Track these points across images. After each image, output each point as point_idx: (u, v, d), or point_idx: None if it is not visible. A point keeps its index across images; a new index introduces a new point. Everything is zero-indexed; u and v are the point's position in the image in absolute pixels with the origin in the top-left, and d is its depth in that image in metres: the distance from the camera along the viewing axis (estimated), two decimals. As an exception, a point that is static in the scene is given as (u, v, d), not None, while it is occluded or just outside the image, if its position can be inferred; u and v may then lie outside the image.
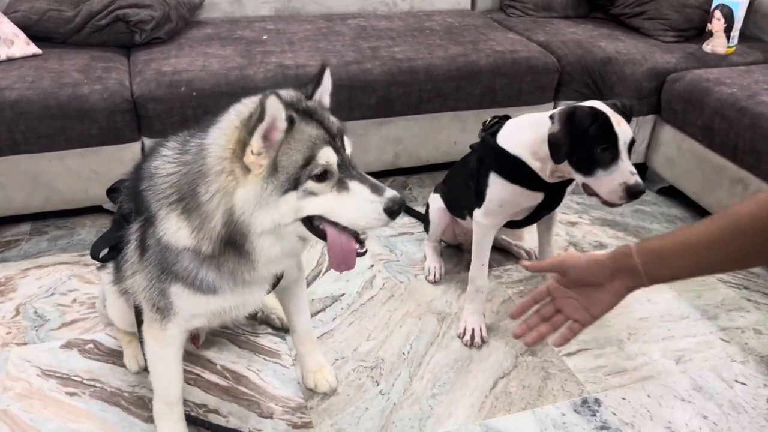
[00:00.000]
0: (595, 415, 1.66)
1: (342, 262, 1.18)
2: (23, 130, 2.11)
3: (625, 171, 1.60)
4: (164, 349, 1.41)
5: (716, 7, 2.68)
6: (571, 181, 1.82)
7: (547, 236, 2.07)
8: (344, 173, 1.13)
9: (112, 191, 1.39)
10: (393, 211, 1.12)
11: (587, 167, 1.63)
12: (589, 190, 1.68)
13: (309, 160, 1.09)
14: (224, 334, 1.90)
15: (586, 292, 1.14)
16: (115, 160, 2.26)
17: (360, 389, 1.72)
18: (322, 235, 1.17)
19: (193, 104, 2.26)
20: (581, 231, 2.49)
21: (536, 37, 2.90)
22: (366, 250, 1.20)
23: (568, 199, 1.91)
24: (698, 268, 1.08)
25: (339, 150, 1.13)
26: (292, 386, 1.72)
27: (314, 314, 1.99)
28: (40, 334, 1.87)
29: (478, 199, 1.86)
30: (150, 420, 1.58)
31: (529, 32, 2.96)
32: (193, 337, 1.76)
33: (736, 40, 2.72)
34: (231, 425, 1.60)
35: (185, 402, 1.65)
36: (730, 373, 1.81)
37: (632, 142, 1.62)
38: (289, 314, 1.67)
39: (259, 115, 1.04)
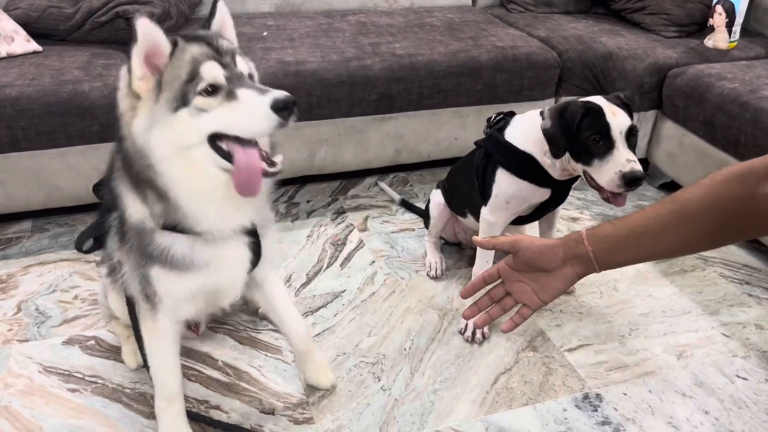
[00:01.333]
0: (596, 411, 1.66)
1: (246, 183, 1.12)
2: (24, 127, 2.11)
3: (620, 159, 1.60)
4: (158, 341, 1.42)
5: (718, 2, 2.67)
6: (578, 177, 1.82)
7: (548, 233, 2.07)
8: (233, 85, 1.10)
9: (99, 186, 1.39)
10: (279, 108, 1.07)
11: (585, 159, 1.64)
12: (592, 183, 1.68)
13: (192, 75, 1.07)
14: (225, 330, 1.90)
15: (536, 277, 1.14)
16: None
17: (361, 385, 1.72)
18: (228, 158, 1.12)
19: (193, 101, 2.26)
20: (582, 226, 2.48)
21: (537, 32, 2.90)
22: (277, 170, 1.15)
23: (570, 195, 1.91)
24: (648, 254, 1.09)
25: (227, 65, 1.11)
26: (294, 382, 1.72)
27: (315, 310, 1.99)
28: (41, 330, 1.87)
29: (485, 196, 1.86)
30: (152, 416, 1.58)
31: (530, 28, 2.96)
32: (193, 326, 1.77)
33: (737, 35, 2.72)
34: (232, 421, 1.60)
35: (187, 398, 1.65)
36: (732, 369, 1.81)
37: (631, 130, 1.62)
38: (277, 315, 1.62)
39: (132, 36, 1.04)
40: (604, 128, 1.59)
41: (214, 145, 1.12)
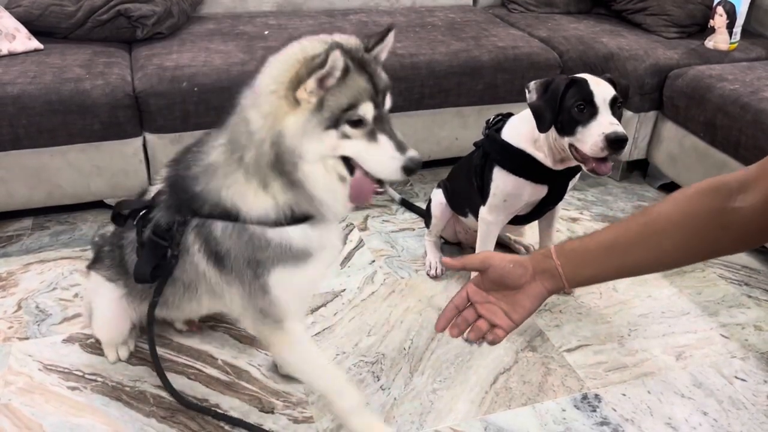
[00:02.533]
0: (595, 411, 1.67)
1: (359, 194, 1.26)
2: (25, 125, 2.12)
3: (603, 122, 1.63)
4: (302, 347, 1.46)
5: (718, 3, 2.67)
6: (575, 173, 1.83)
7: (548, 232, 2.08)
8: (377, 126, 1.20)
9: (118, 216, 1.42)
10: (410, 169, 1.20)
11: (570, 128, 1.67)
12: (577, 156, 1.70)
13: (351, 107, 1.16)
14: (225, 329, 1.90)
15: (505, 296, 1.09)
16: (117, 156, 2.26)
17: (361, 384, 1.73)
18: (350, 170, 1.24)
19: (194, 99, 2.26)
20: (582, 227, 2.49)
21: (538, 32, 2.90)
22: (384, 191, 1.29)
23: (569, 196, 1.92)
24: (617, 268, 1.05)
25: (378, 105, 1.20)
26: (293, 381, 1.72)
27: (315, 310, 1.99)
28: (41, 328, 1.87)
29: (483, 195, 1.88)
30: (151, 415, 1.59)
31: (531, 28, 2.96)
32: (191, 322, 1.80)
33: (738, 36, 2.72)
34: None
35: (186, 396, 1.66)
36: (731, 370, 1.81)
37: (615, 99, 1.65)
38: None
39: (321, 62, 1.11)
40: (587, 95, 1.64)
41: (345, 161, 1.23)
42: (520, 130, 1.80)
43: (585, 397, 1.71)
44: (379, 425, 1.51)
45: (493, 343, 1.11)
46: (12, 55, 2.30)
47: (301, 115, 1.17)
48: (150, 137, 2.30)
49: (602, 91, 1.65)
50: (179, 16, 2.64)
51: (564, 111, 1.66)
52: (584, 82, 1.66)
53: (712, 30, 2.72)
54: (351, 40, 1.24)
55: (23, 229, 2.37)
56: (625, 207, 2.64)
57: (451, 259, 1.15)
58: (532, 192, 1.82)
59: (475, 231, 2.01)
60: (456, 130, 2.68)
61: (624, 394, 1.72)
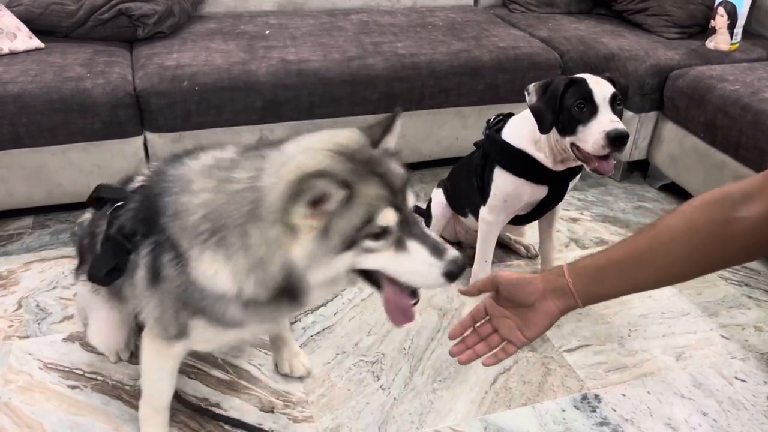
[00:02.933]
0: (595, 411, 1.67)
1: (401, 319, 1.18)
2: (26, 123, 2.12)
3: (604, 120, 1.63)
4: (164, 362, 1.39)
5: (719, 4, 2.67)
6: (575, 173, 1.83)
7: (548, 232, 2.08)
8: (403, 231, 1.06)
9: (98, 200, 1.30)
10: (453, 275, 1.06)
11: (571, 127, 1.67)
12: (579, 155, 1.70)
13: (367, 221, 1.02)
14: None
15: (519, 313, 1.11)
16: (118, 155, 2.26)
17: (361, 384, 1.73)
18: (376, 284, 1.14)
19: (195, 99, 2.26)
20: (582, 227, 2.49)
21: (539, 33, 2.90)
22: (418, 300, 1.18)
23: (570, 196, 1.92)
24: (629, 284, 1.05)
25: (400, 207, 1.06)
26: (293, 381, 1.72)
27: (315, 309, 1.99)
28: (42, 327, 1.88)
29: (483, 195, 1.88)
30: (151, 413, 1.59)
31: (532, 28, 2.96)
32: None
33: (739, 37, 2.72)
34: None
35: (187, 396, 1.66)
36: (730, 370, 1.81)
37: (614, 97, 1.66)
38: None
39: (304, 190, 0.98)
40: (587, 93, 1.64)
41: (362, 273, 1.11)
42: (521, 130, 1.80)
43: (585, 397, 1.71)
44: None
45: (499, 361, 1.14)
46: (13, 53, 2.30)
47: (306, 242, 1.02)
48: (151, 136, 2.30)
49: (602, 89, 1.65)
50: (180, 16, 2.65)
51: (564, 111, 1.67)
52: (583, 81, 1.67)
53: (713, 31, 2.72)
54: (353, 139, 1.10)
55: (24, 227, 2.37)
56: (625, 207, 2.64)
57: (466, 288, 1.16)
58: (533, 192, 1.82)
59: (476, 231, 2.02)
60: (456, 130, 2.68)
61: (624, 395, 1.72)
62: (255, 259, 1.06)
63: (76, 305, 1.78)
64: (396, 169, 1.10)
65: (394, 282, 1.11)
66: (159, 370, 1.42)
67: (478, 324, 1.18)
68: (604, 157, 1.66)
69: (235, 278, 1.09)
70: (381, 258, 1.06)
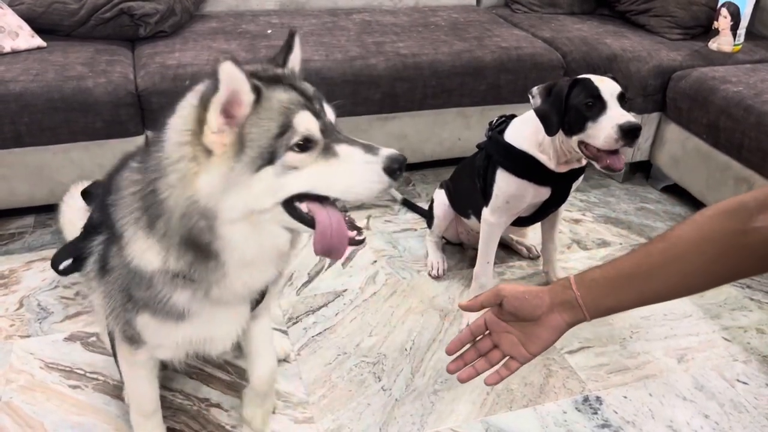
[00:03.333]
0: (596, 413, 1.66)
1: (329, 248, 1.01)
2: (27, 122, 2.11)
3: (615, 114, 1.63)
4: (135, 371, 1.37)
5: (723, 5, 2.66)
6: (578, 175, 1.83)
7: (550, 234, 2.08)
8: (329, 138, 0.98)
9: (87, 194, 1.28)
10: (394, 169, 0.97)
11: (579, 125, 1.66)
12: (588, 154, 1.69)
13: (285, 127, 0.93)
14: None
15: (523, 327, 1.07)
16: (119, 154, 2.19)
17: (362, 385, 1.72)
18: (308, 222, 1.01)
19: (197, 98, 2.26)
20: (585, 228, 2.49)
21: (541, 33, 2.89)
22: (363, 238, 1.05)
23: (572, 197, 1.91)
24: (639, 296, 1.02)
25: (318, 114, 0.99)
26: (294, 381, 1.72)
27: (317, 309, 1.99)
28: (43, 326, 1.87)
29: (486, 197, 1.87)
30: (152, 413, 1.59)
31: (534, 28, 2.95)
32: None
33: (742, 38, 2.71)
34: (233, 420, 1.60)
35: (187, 396, 1.66)
36: (732, 373, 1.81)
37: (622, 95, 1.66)
38: (251, 346, 1.48)
39: (213, 85, 0.90)
40: (594, 90, 1.64)
41: (289, 207, 1.00)
42: (524, 132, 1.79)
43: (586, 399, 1.71)
44: None
45: (502, 379, 1.11)
46: (15, 52, 2.29)
47: (218, 164, 0.93)
48: (152, 136, 2.30)
49: (608, 86, 1.65)
50: (182, 15, 2.64)
51: (571, 110, 1.66)
52: (588, 80, 1.67)
53: (716, 32, 2.72)
54: (254, 65, 1.04)
55: (25, 226, 2.37)
56: (627, 209, 2.64)
57: (468, 302, 1.11)
58: (535, 194, 1.82)
59: (478, 232, 2.01)
60: (459, 130, 2.68)
61: (625, 397, 1.72)
62: (167, 213, 0.99)
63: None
64: (305, 84, 1.03)
65: (327, 207, 1.00)
66: (133, 379, 1.39)
67: (477, 339, 1.14)
68: (615, 153, 1.65)
69: (159, 249, 1.03)
70: (309, 174, 0.96)
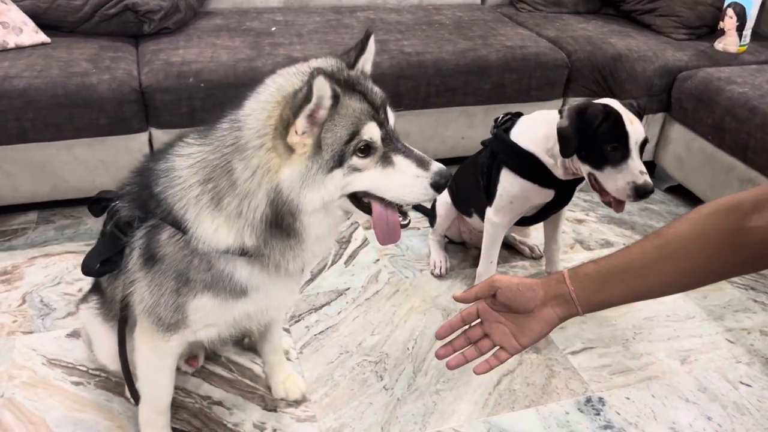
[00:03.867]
0: (599, 414, 1.66)
1: (387, 236, 1.16)
2: (31, 118, 2.11)
3: (634, 170, 1.61)
4: (161, 361, 1.36)
5: (729, 5, 2.65)
6: (582, 179, 1.82)
7: (553, 234, 2.07)
8: (388, 147, 1.09)
9: (95, 203, 1.30)
10: (440, 185, 1.09)
11: (596, 163, 1.64)
12: (595, 186, 1.69)
13: (353, 135, 1.05)
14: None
15: (515, 319, 1.08)
16: (123, 151, 2.26)
17: (364, 384, 1.72)
18: (367, 210, 1.15)
19: (201, 95, 2.26)
20: (588, 229, 2.48)
21: (546, 32, 2.88)
22: (409, 221, 1.18)
23: (576, 197, 1.90)
24: (632, 292, 1.03)
25: (382, 123, 1.09)
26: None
27: (319, 308, 1.99)
28: (46, 323, 1.88)
29: (489, 196, 1.87)
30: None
31: (539, 28, 2.94)
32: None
33: (748, 39, 2.70)
34: (235, 418, 1.60)
35: (189, 394, 1.66)
36: (736, 375, 1.80)
37: (645, 142, 1.63)
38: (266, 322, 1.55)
39: (306, 95, 1.00)
40: (623, 137, 1.59)
41: (353, 198, 1.13)
42: (533, 133, 1.77)
43: (589, 400, 1.70)
44: None
45: (491, 368, 1.10)
46: (19, 48, 2.29)
47: (298, 163, 1.04)
48: (156, 133, 2.30)
49: (636, 131, 1.61)
50: (186, 11, 2.64)
51: (593, 144, 1.62)
52: (619, 118, 1.60)
53: (722, 32, 2.71)
54: (329, 62, 1.13)
55: (28, 222, 2.37)
56: (631, 209, 2.63)
57: (462, 293, 1.13)
58: (539, 195, 1.81)
59: (480, 231, 2.01)
60: (462, 129, 2.67)
61: (628, 398, 1.71)
62: (243, 194, 1.08)
63: (82, 332, 1.73)
64: (375, 88, 1.13)
65: (383, 202, 1.13)
66: (156, 370, 1.39)
67: (467, 327, 1.14)
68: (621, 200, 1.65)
69: (232, 226, 1.10)
70: (369, 176, 1.08)
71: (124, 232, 1.22)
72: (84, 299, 1.57)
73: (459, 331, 1.15)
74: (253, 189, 1.07)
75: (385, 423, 1.61)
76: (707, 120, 2.41)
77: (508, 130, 1.83)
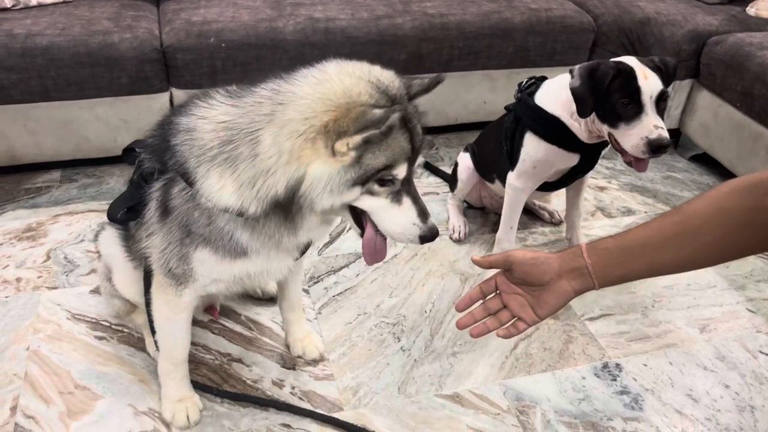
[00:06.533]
0: (615, 380, 1.66)
1: (373, 257, 1.23)
2: (54, 76, 2.12)
3: (648, 125, 1.59)
4: (176, 315, 1.39)
5: (764, -32, 2.57)
6: (607, 143, 1.79)
7: (575, 200, 2.05)
8: (404, 187, 1.13)
9: (128, 151, 1.31)
10: (426, 239, 1.16)
11: (611, 121, 1.63)
12: (616, 146, 1.67)
13: (387, 167, 1.08)
14: (249, 286, 1.91)
15: (532, 291, 1.11)
16: (144, 110, 2.27)
17: (381, 344, 1.74)
18: (358, 223, 1.20)
19: (222, 55, 2.25)
20: (610, 196, 2.46)
21: (573, -5, 2.82)
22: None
23: (598, 164, 1.88)
24: (649, 267, 1.05)
25: (412, 164, 1.14)
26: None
27: (338, 270, 2.00)
28: (70, 279, 1.91)
29: (512, 161, 1.85)
30: (176, 366, 1.62)
31: (566, -10, 2.87)
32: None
33: (782, 3, 2.62)
34: (254, 375, 1.63)
35: (209, 350, 1.69)
36: (755, 344, 1.79)
37: (662, 95, 1.59)
38: (283, 280, 1.58)
39: (377, 124, 1.01)
40: (634, 92, 1.57)
41: (353, 210, 1.18)
42: (557, 96, 1.74)
43: (606, 366, 1.71)
44: (180, 394, 1.50)
45: (511, 335, 1.14)
46: (41, 6, 2.29)
47: (332, 166, 1.05)
48: (177, 92, 2.30)
49: (650, 86, 1.57)
50: (207, -30, 2.61)
51: (608, 103, 1.60)
52: (631, 73, 1.58)
53: (755, -4, 2.63)
54: (395, 84, 1.12)
55: (52, 181, 2.40)
56: (654, 177, 2.59)
57: (480, 257, 1.17)
58: (563, 160, 1.79)
59: (501, 197, 1.99)
60: (484, 93, 2.64)
61: (645, 365, 1.71)
62: (261, 169, 1.07)
63: (101, 285, 1.73)
64: (420, 129, 1.14)
65: (374, 225, 1.18)
66: (171, 324, 1.42)
67: (487, 298, 1.17)
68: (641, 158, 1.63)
69: (239, 191, 1.10)
70: (376, 203, 1.13)
71: (148, 183, 1.23)
72: (103, 227, 1.57)
73: (478, 303, 1.18)
74: (275, 169, 1.07)
75: (402, 383, 1.63)
76: (736, 87, 2.35)
77: (532, 94, 1.80)
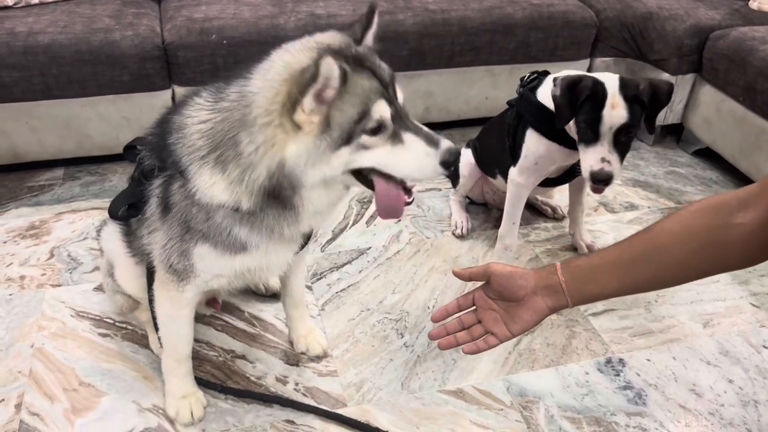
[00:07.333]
0: (618, 375, 1.66)
1: (390, 210, 1.15)
2: (55, 74, 2.12)
3: (596, 155, 1.61)
4: (178, 311, 1.39)
5: (766, -38, 2.56)
6: None
7: (578, 196, 2.05)
8: (398, 124, 1.08)
9: (130, 148, 1.32)
10: (449, 163, 1.08)
11: (577, 135, 1.66)
12: None
13: (363, 114, 1.04)
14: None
15: (507, 306, 1.14)
16: (146, 108, 2.27)
17: (384, 340, 1.74)
18: (370, 185, 1.14)
19: (223, 52, 2.25)
20: (612, 191, 2.45)
21: (574, -10, 2.81)
22: (413, 199, 1.17)
23: (601, 159, 1.87)
24: (621, 285, 1.07)
25: (392, 101, 1.08)
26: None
27: (340, 266, 2.00)
28: (73, 276, 1.91)
29: (514, 156, 1.85)
30: (179, 363, 1.62)
31: (568, -15, 2.87)
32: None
33: (785, -3, 2.61)
34: (258, 372, 1.63)
35: (212, 347, 1.69)
36: (759, 339, 1.79)
37: (623, 128, 1.59)
38: (285, 276, 1.59)
39: (313, 75, 0.98)
40: (595, 120, 1.58)
41: (357, 173, 1.12)
42: None
43: (609, 361, 1.71)
44: (184, 390, 1.50)
45: (479, 350, 1.18)
46: (43, 3, 2.30)
47: (305, 140, 1.04)
48: (179, 90, 2.30)
49: (612, 117, 1.57)
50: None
51: (577, 120, 1.63)
52: (601, 100, 1.57)
53: (758, -10, 2.62)
54: (337, 38, 1.11)
55: (55, 178, 2.40)
56: (657, 172, 2.59)
57: (459, 269, 1.20)
58: (565, 157, 1.79)
59: (504, 192, 1.99)
60: (486, 89, 2.63)
61: (648, 360, 1.71)
62: (246, 165, 1.08)
63: (103, 281, 1.74)
64: (382, 64, 1.11)
65: (388, 178, 1.12)
66: (174, 320, 1.42)
67: (462, 312, 1.21)
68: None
69: (231, 187, 1.11)
70: (377, 154, 1.08)
71: (148, 180, 1.24)
72: (105, 223, 1.58)
73: (455, 316, 1.22)
74: (256, 162, 1.08)
75: (405, 379, 1.63)
76: (739, 81, 2.35)
77: (534, 89, 1.80)
